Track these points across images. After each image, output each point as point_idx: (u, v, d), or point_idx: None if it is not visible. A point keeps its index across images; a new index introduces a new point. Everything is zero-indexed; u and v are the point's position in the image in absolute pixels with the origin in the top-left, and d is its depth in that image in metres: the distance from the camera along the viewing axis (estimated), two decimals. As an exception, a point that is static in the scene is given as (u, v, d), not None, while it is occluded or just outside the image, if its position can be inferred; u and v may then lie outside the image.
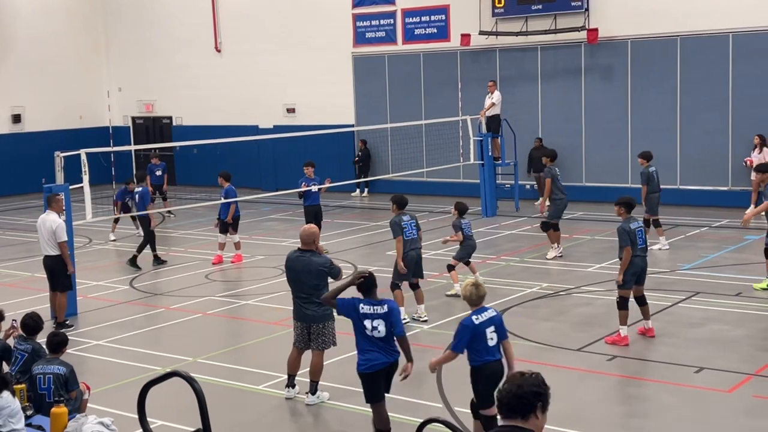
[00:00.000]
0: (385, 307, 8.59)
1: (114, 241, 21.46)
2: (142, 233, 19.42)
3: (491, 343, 8.22)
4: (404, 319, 13.06)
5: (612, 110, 24.42)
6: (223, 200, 18.35)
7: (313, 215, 18.58)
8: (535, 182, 24.82)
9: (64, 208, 13.85)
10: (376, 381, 8.60)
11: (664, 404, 9.79)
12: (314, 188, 18.67)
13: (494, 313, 8.36)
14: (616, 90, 24.34)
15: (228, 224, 18.29)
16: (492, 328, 8.25)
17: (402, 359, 8.67)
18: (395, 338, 8.61)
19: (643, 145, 23.87)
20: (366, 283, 8.75)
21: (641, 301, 12.16)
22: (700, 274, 15.71)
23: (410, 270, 13.19)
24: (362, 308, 8.59)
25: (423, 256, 13.61)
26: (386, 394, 8.78)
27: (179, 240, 20.69)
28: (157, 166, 24.84)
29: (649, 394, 10.15)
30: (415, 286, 13.38)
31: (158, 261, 18.38)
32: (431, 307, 13.98)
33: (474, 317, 8.24)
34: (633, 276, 11.89)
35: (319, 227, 17.69)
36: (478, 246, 14.77)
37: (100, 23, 33.88)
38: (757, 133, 21.91)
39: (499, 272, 16.52)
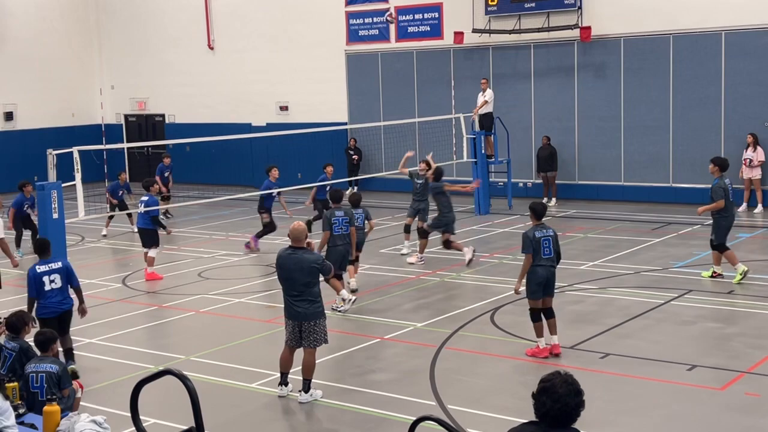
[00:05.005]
0: (59, 263, 10.95)
1: (105, 236, 21.43)
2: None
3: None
4: (347, 302, 13.00)
5: (605, 108, 24.44)
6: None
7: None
8: (542, 181, 24.79)
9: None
10: (49, 324, 10.52)
11: (656, 402, 9.80)
12: (275, 192, 19.43)
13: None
14: (608, 88, 24.36)
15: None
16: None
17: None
18: (72, 288, 11.01)
19: (636, 143, 24.02)
20: (42, 246, 11.06)
21: (549, 314, 11.43)
22: (692, 272, 15.74)
23: (337, 263, 13.70)
24: (39, 269, 10.78)
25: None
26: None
27: (172, 238, 20.64)
28: (168, 167, 24.53)
29: (641, 392, 10.16)
30: (339, 277, 13.65)
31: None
32: (421, 306, 14.05)
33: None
34: (538, 286, 11.27)
35: (274, 228, 19.13)
36: (471, 243, 14.89)
37: (93, 21, 33.81)
38: (749, 131, 22.00)
39: (492, 270, 16.54)
